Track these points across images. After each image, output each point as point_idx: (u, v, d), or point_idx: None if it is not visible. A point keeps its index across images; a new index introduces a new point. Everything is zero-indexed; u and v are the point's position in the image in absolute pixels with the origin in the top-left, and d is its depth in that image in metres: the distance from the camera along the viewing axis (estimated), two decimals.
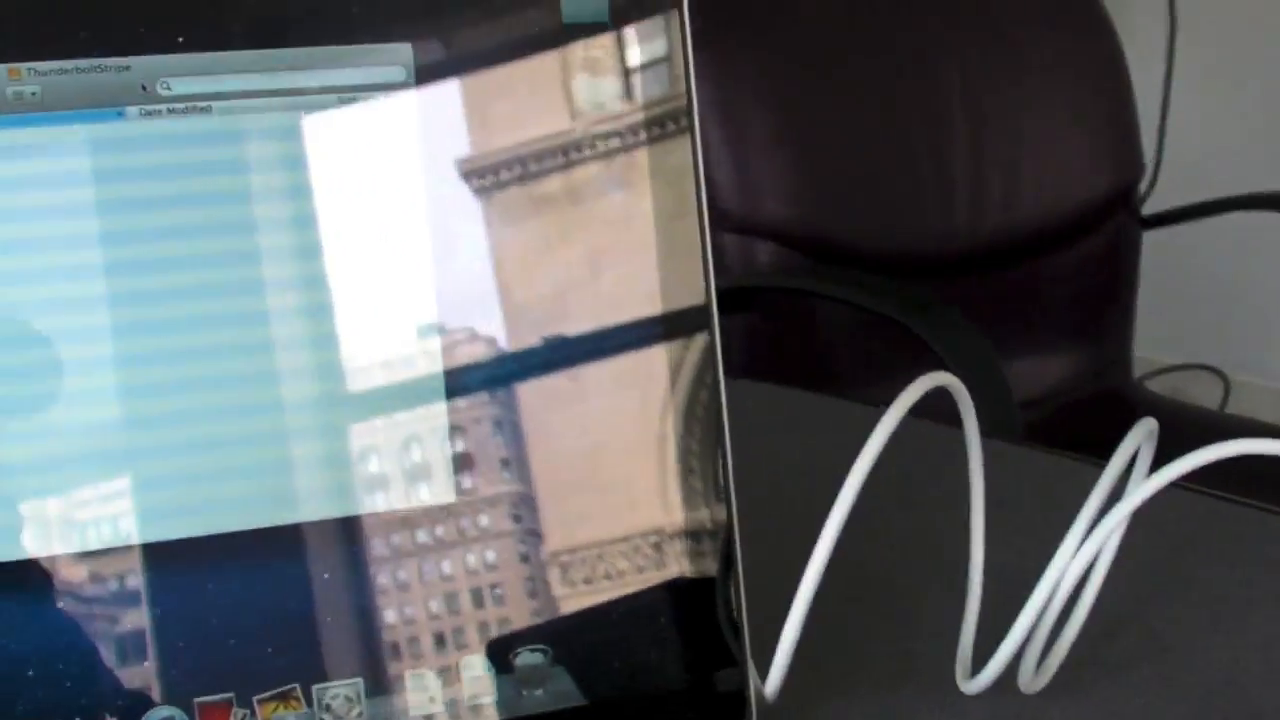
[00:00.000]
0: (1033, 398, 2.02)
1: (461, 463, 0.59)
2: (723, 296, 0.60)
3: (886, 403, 0.60)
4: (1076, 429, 2.00)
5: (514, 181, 0.60)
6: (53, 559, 0.56)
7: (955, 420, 0.64)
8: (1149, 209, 2.18)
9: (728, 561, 0.62)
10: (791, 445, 0.94)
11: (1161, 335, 2.66)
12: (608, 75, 0.60)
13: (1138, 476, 0.66)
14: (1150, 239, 2.15)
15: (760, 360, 1.90)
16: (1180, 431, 1.97)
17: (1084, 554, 0.63)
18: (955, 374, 0.62)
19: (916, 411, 0.61)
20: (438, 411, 0.59)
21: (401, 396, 0.59)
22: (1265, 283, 3.17)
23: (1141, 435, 0.65)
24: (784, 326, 1.96)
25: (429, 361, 0.59)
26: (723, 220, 1.89)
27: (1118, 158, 2.08)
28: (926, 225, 1.98)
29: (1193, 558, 0.81)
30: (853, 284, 1.75)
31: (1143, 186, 2.18)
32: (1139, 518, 0.65)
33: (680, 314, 0.62)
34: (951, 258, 2.00)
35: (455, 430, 0.59)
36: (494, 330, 0.60)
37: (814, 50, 1.95)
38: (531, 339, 0.60)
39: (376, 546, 0.59)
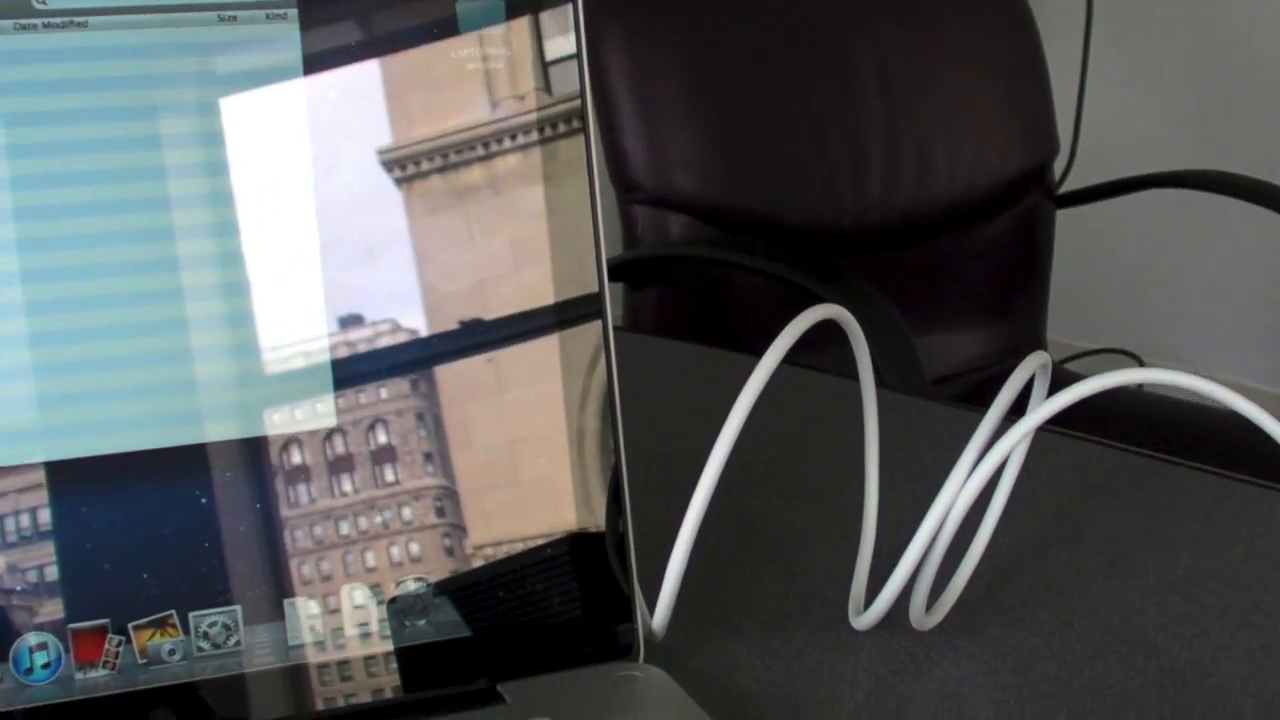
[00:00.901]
0: (945, 374, 2.02)
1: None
2: (636, 266, 0.60)
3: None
4: (988, 403, 2.00)
5: (430, 173, 0.60)
6: None
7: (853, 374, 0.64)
8: (1066, 189, 2.19)
9: (617, 504, 0.61)
10: (687, 396, 0.93)
11: (1077, 320, 2.68)
12: (510, 73, 0.60)
13: (1037, 397, 0.66)
14: (1066, 224, 2.16)
15: (673, 331, 1.90)
16: (1095, 408, 1.98)
17: (972, 484, 0.62)
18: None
19: (819, 366, 0.60)
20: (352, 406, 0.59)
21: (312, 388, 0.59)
22: (1179, 268, 3.19)
23: (1034, 365, 0.65)
24: (697, 298, 1.96)
25: (334, 355, 0.59)
26: (635, 192, 1.88)
27: (1032, 135, 2.09)
28: (840, 199, 1.98)
29: (1089, 505, 0.81)
30: (766, 254, 1.74)
31: (1059, 168, 2.19)
32: (1035, 466, 0.65)
33: (585, 298, 0.62)
34: (865, 232, 2.00)
35: (373, 425, 0.59)
36: (418, 323, 0.60)
37: (728, 22, 1.95)
38: (449, 321, 0.60)
39: (259, 470, 0.58)
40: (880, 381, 0.68)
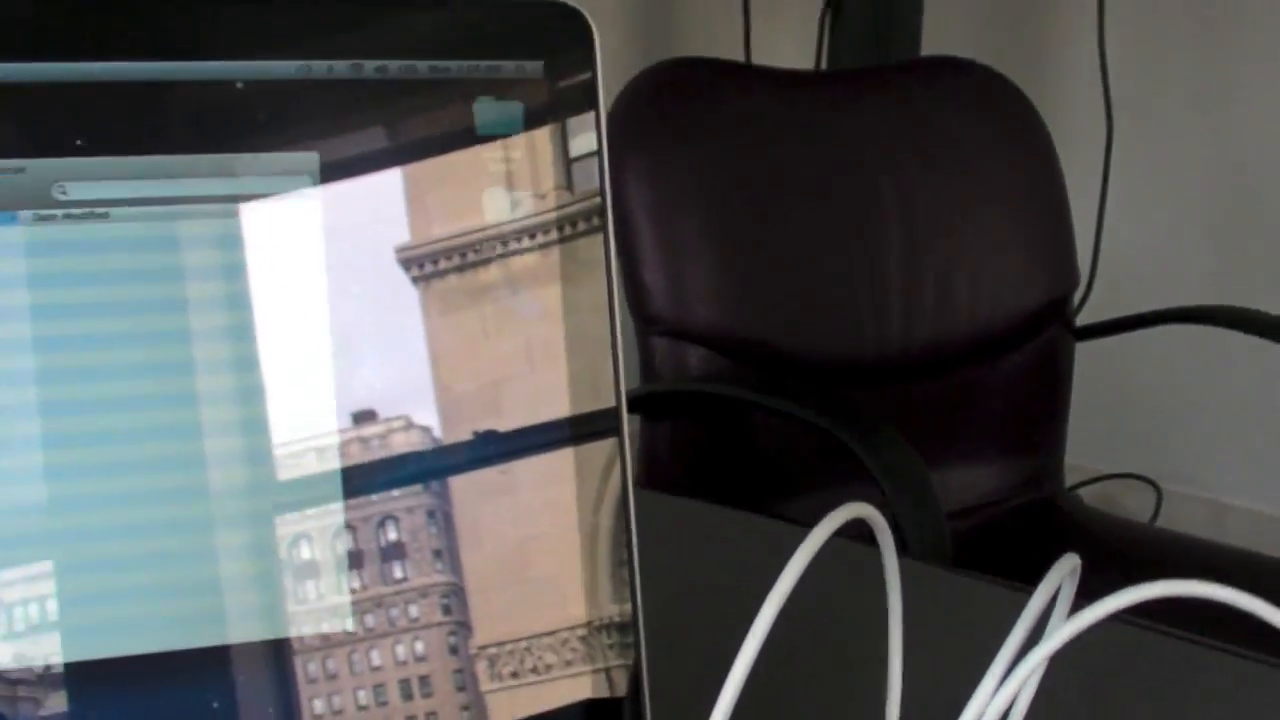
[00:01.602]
0: (963, 507, 2.01)
1: (391, 554, 0.58)
2: (653, 400, 0.59)
3: (812, 520, 0.59)
4: (1007, 541, 1.99)
5: (435, 276, 0.59)
6: None
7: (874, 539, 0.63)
8: (1083, 319, 2.18)
9: (636, 685, 0.60)
10: (712, 564, 0.92)
11: (1094, 444, 2.66)
12: (527, 176, 0.60)
13: (1059, 613, 0.64)
14: (1083, 347, 2.15)
15: (688, 467, 1.89)
16: (1111, 547, 1.97)
17: (1001, 698, 0.61)
18: (887, 492, 0.61)
19: (839, 531, 0.59)
20: (363, 504, 0.58)
21: (327, 491, 0.58)
22: (1197, 394, 3.18)
23: (1063, 572, 0.63)
24: (715, 432, 1.95)
25: (348, 457, 0.58)
26: (654, 324, 1.88)
27: (1053, 269, 2.08)
28: (859, 332, 1.97)
29: (1116, 691, 0.79)
30: (789, 394, 1.73)
31: (1076, 297, 2.18)
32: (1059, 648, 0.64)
33: (607, 412, 0.61)
34: (884, 365, 1.99)
35: (383, 522, 0.58)
36: (426, 420, 0.59)
37: (748, 154, 1.95)
38: (463, 430, 0.59)
39: (304, 667, 0.57)
40: (902, 546, 0.66)
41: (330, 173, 0.57)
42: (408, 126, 0.58)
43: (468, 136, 0.59)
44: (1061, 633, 0.61)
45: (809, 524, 0.59)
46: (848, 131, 2.01)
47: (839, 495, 1.74)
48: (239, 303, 0.56)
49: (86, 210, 0.55)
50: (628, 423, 0.61)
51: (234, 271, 0.56)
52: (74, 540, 0.54)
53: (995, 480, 2.07)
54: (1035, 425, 2.11)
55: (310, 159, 0.57)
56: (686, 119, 1.93)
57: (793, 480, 1.92)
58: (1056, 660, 0.66)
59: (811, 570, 0.58)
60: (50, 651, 0.54)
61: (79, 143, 0.54)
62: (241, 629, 0.56)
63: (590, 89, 0.60)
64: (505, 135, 0.59)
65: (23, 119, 0.54)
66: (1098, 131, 2.61)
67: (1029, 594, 0.64)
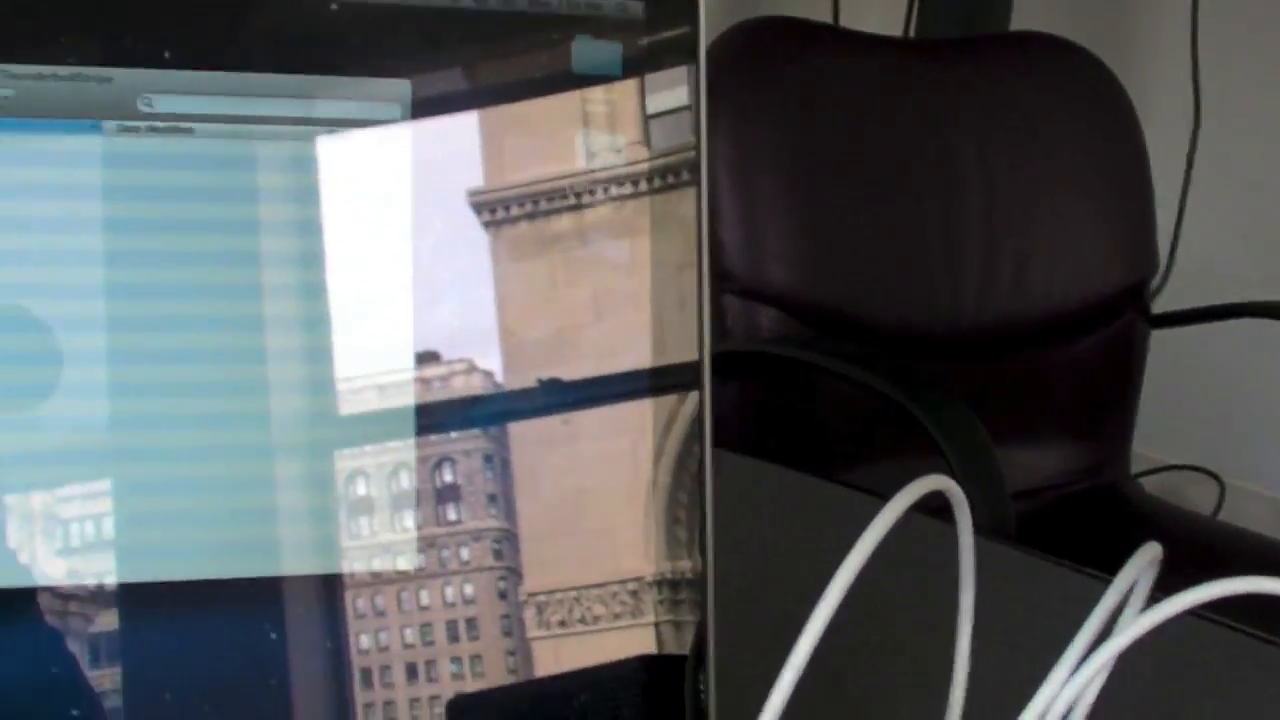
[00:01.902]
0: (1027, 488, 1.99)
1: (446, 495, 0.58)
2: (723, 360, 0.58)
3: (881, 490, 0.57)
4: (1070, 525, 1.97)
5: (516, 220, 0.58)
6: (27, 590, 0.54)
7: (943, 514, 0.61)
8: (1158, 307, 2.16)
9: (700, 653, 0.59)
10: (781, 529, 0.91)
11: (1159, 434, 2.64)
12: (616, 123, 0.59)
13: (1134, 605, 0.63)
14: (1155, 335, 2.12)
15: (754, 428, 1.88)
16: (1175, 538, 1.94)
17: (1070, 690, 0.59)
18: (954, 466, 0.60)
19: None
20: (423, 444, 0.57)
21: (388, 428, 0.57)
22: (1266, 390, 3.14)
23: (1143, 563, 0.62)
24: (782, 395, 1.94)
25: (412, 395, 0.57)
26: (727, 281, 1.86)
27: (1132, 254, 2.06)
28: (933, 305, 1.96)
29: (1185, 686, 0.77)
30: (862, 362, 1.72)
31: (1153, 284, 2.16)
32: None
33: (678, 367, 0.60)
34: (955, 340, 1.98)
35: (440, 463, 0.58)
36: (490, 365, 0.58)
37: (833, 117, 1.93)
38: (527, 377, 0.59)
39: (354, 603, 0.57)
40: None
41: (421, 103, 0.56)
42: (503, 61, 0.57)
43: (564, 76, 0.58)
44: (1137, 626, 0.59)
45: (879, 494, 0.58)
46: (934, 101, 1.98)
47: (901, 466, 1.72)
48: (314, 229, 0.56)
49: (170, 124, 0.54)
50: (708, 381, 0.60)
51: (311, 197, 0.55)
52: (134, 460, 0.54)
53: (1060, 464, 2.05)
54: (1104, 411, 2.09)
55: (401, 87, 0.56)
56: (772, 78, 1.91)
57: (856, 448, 1.91)
58: (1124, 652, 0.64)
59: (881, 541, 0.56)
60: (104, 570, 0.54)
61: (166, 55, 0.54)
62: (295, 561, 0.56)
63: (690, 38, 0.59)
64: (602, 78, 0.58)
65: (112, 28, 0.53)
66: (1184, 119, 2.58)
67: (1103, 581, 0.63)
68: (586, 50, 0.58)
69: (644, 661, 0.60)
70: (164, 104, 0.54)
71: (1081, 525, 1.98)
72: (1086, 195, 2.03)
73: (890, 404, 1.58)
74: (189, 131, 0.54)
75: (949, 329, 1.97)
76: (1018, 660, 0.64)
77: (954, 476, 1.40)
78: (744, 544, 0.67)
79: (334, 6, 0.55)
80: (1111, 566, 0.77)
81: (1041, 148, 2.02)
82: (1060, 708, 0.60)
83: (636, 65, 0.59)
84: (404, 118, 0.56)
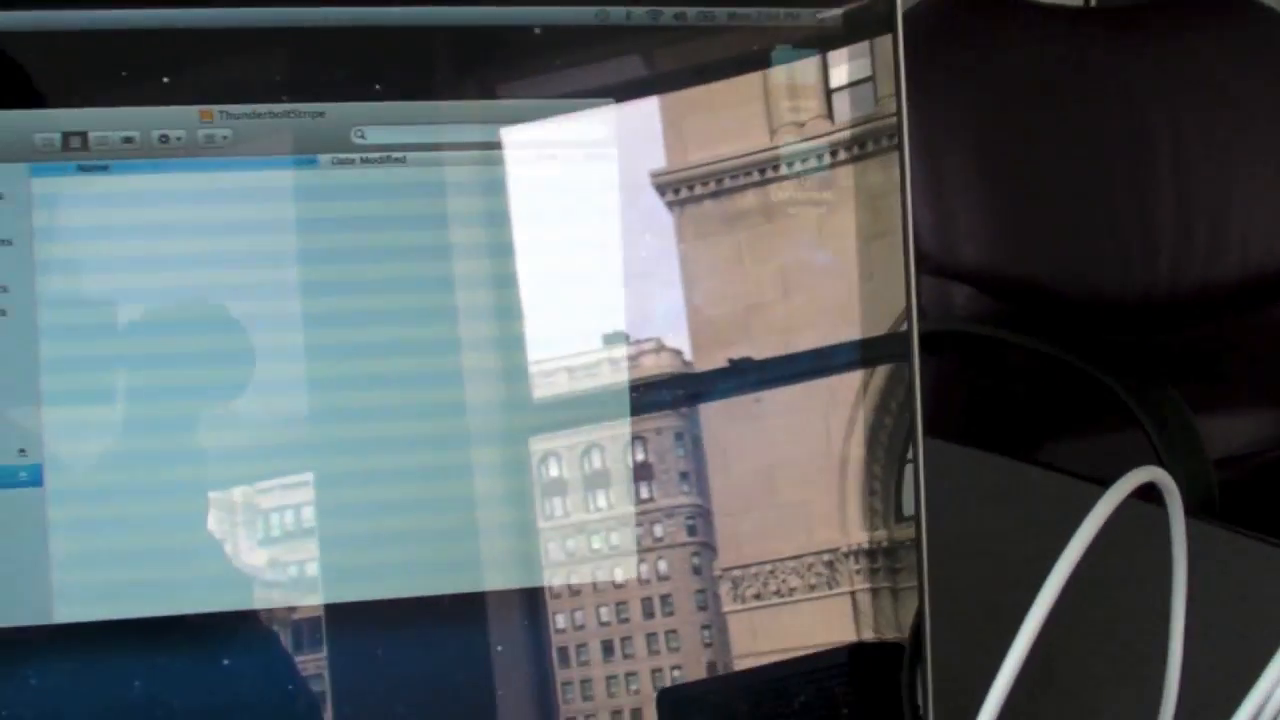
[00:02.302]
0: (1226, 455, 1.96)
1: (639, 474, 0.58)
2: (921, 340, 0.58)
3: (1084, 471, 0.57)
4: (1271, 493, 1.94)
5: (701, 199, 0.59)
6: (235, 614, 0.55)
7: (1149, 495, 0.61)
8: None
9: (917, 644, 0.59)
10: (991, 516, 0.90)
11: None
12: (799, 98, 0.59)
13: None
14: None
15: (951, 407, 1.86)
16: None
17: None
18: (1158, 445, 0.60)
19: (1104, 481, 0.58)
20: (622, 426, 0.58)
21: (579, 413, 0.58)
22: None
23: None
24: (979, 374, 1.93)
25: (615, 375, 0.58)
26: (919, 260, 1.85)
27: None
28: (1127, 275, 1.93)
29: None
30: (1061, 339, 1.70)
31: None
32: None
33: (868, 341, 0.61)
34: (1151, 309, 1.95)
35: (633, 443, 0.58)
36: (682, 343, 0.59)
37: (1018, 89, 1.91)
38: (719, 356, 0.59)
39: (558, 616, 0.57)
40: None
41: (625, 120, 0.57)
42: (704, 74, 0.58)
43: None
44: None
45: (1087, 478, 0.58)
46: (1120, 70, 1.96)
47: (1101, 444, 1.70)
48: (515, 249, 0.56)
49: (383, 154, 0.55)
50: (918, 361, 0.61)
51: (516, 214, 0.56)
52: (337, 485, 0.55)
53: (1259, 429, 2.02)
54: None
55: (606, 107, 0.57)
56: (958, 52, 1.90)
57: (1054, 426, 1.89)
58: None
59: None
60: (309, 589, 0.56)
61: (377, 88, 0.55)
62: (493, 547, 0.57)
63: (890, 49, 0.59)
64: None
65: (324, 63, 0.55)
66: None
67: None
68: (786, 60, 0.58)
69: (856, 650, 0.60)
70: (376, 135, 0.55)
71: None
72: (1277, 146, 1.99)
73: (1088, 380, 1.57)
74: (401, 161, 0.55)
75: (1144, 298, 1.94)
76: (1232, 646, 0.63)
77: (1157, 454, 1.39)
78: (953, 531, 0.67)
79: (537, 32, 0.56)
80: None
81: (1230, 110, 1.98)
82: (1275, 706, 0.59)
83: (833, 38, 0.59)
84: (609, 140, 0.57)
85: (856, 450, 0.60)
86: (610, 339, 0.58)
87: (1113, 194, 1.93)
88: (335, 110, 0.55)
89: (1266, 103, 2.00)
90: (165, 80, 0.54)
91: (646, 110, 0.58)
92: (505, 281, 0.57)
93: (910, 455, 0.61)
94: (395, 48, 0.55)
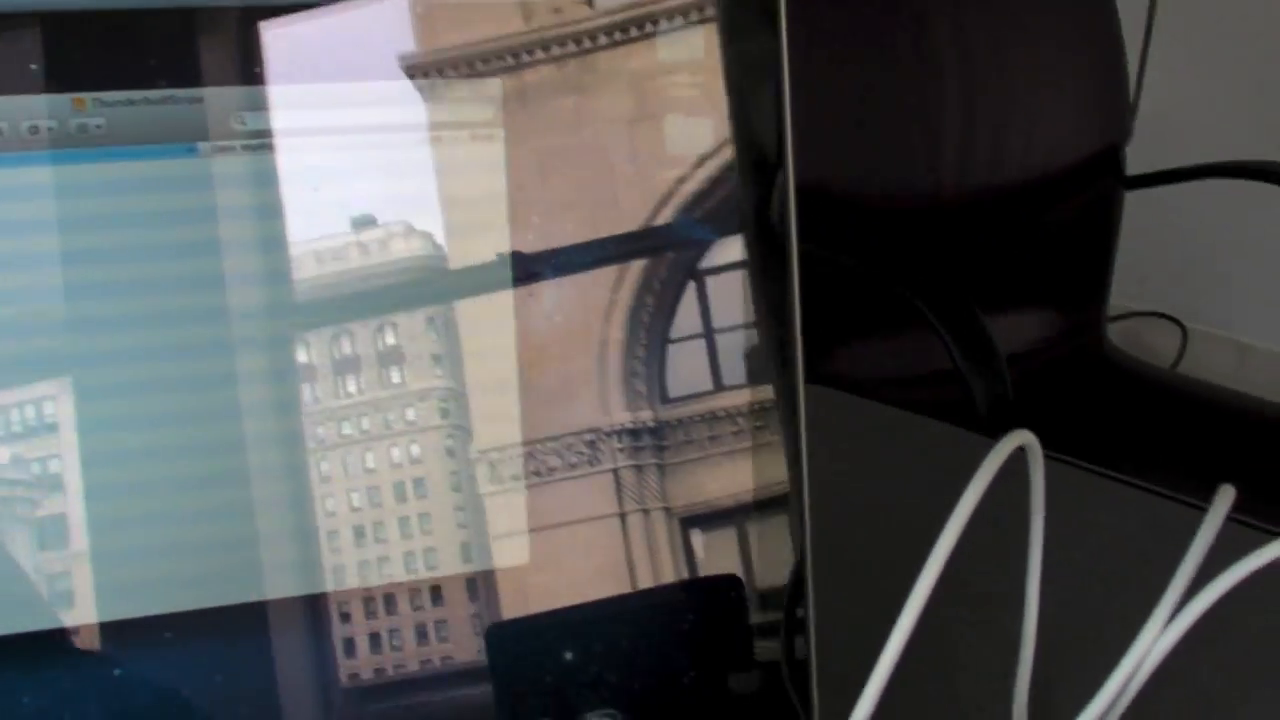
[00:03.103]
0: (1011, 353, 2.00)
1: (389, 359, 0.58)
2: None
3: (882, 379, 0.57)
4: (1059, 390, 1.98)
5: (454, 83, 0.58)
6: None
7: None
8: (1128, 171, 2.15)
9: (797, 589, 0.60)
10: (861, 461, 0.89)
11: (1124, 282, 2.65)
12: None
13: (1202, 541, 0.63)
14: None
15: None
16: (1149, 390, 1.97)
17: (1166, 639, 0.60)
18: (957, 359, 0.61)
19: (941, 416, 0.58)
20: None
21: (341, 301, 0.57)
22: (1226, 237, 3.15)
23: (1222, 510, 0.62)
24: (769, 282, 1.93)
25: (364, 260, 0.57)
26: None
27: (1106, 119, 2.06)
28: (914, 177, 1.95)
29: (1249, 609, 0.76)
30: (857, 252, 1.72)
31: None
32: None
33: (639, 233, 0.60)
34: (938, 211, 1.97)
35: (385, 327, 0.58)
36: (434, 226, 0.58)
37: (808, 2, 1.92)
38: (474, 242, 0.58)
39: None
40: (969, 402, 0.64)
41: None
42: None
43: None
44: (1227, 576, 0.60)
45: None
46: None
47: (894, 346, 1.72)
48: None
49: (265, 140, 0.54)
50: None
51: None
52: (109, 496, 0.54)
53: (1043, 328, 2.05)
54: (1084, 274, 2.09)
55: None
56: None
57: (845, 331, 1.91)
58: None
59: (932, 460, 0.56)
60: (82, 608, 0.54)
61: (256, 70, 0.54)
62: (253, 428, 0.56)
63: None
64: None
65: (199, 48, 0.53)
66: None
67: (1180, 503, 0.63)
68: None
69: (692, 586, 0.60)
70: (256, 120, 0.54)
71: (1068, 390, 1.99)
72: (1059, 60, 2.02)
73: (882, 289, 1.58)
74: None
75: (930, 201, 1.97)
76: (1087, 596, 0.63)
77: (953, 360, 1.41)
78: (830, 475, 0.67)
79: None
80: (1099, 439, 0.77)
81: (1012, 14, 2.01)
82: (1152, 663, 0.60)
83: None
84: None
85: (616, 333, 0.60)
86: (359, 222, 0.56)
87: (899, 97, 1.94)
88: (214, 95, 0.53)
89: (1046, 8, 2.03)
90: (33, 67, 0.52)
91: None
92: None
93: (672, 336, 0.61)
94: (271, 29, 0.54)
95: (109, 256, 0.53)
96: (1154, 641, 0.60)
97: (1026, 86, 1.99)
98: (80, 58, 0.52)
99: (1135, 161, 2.13)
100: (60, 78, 0.52)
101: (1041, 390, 1.98)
